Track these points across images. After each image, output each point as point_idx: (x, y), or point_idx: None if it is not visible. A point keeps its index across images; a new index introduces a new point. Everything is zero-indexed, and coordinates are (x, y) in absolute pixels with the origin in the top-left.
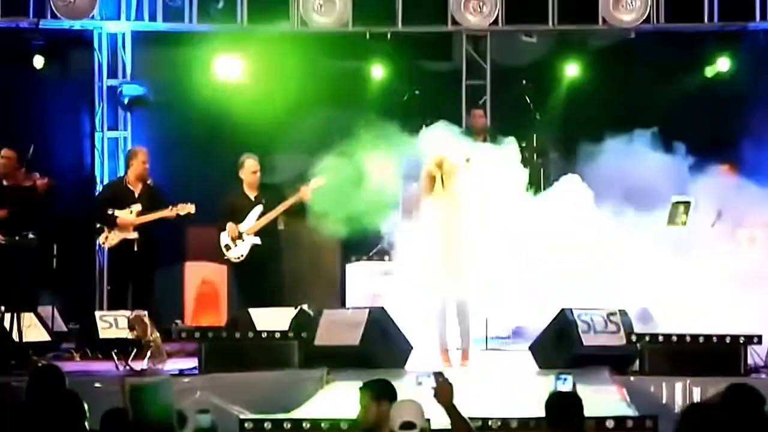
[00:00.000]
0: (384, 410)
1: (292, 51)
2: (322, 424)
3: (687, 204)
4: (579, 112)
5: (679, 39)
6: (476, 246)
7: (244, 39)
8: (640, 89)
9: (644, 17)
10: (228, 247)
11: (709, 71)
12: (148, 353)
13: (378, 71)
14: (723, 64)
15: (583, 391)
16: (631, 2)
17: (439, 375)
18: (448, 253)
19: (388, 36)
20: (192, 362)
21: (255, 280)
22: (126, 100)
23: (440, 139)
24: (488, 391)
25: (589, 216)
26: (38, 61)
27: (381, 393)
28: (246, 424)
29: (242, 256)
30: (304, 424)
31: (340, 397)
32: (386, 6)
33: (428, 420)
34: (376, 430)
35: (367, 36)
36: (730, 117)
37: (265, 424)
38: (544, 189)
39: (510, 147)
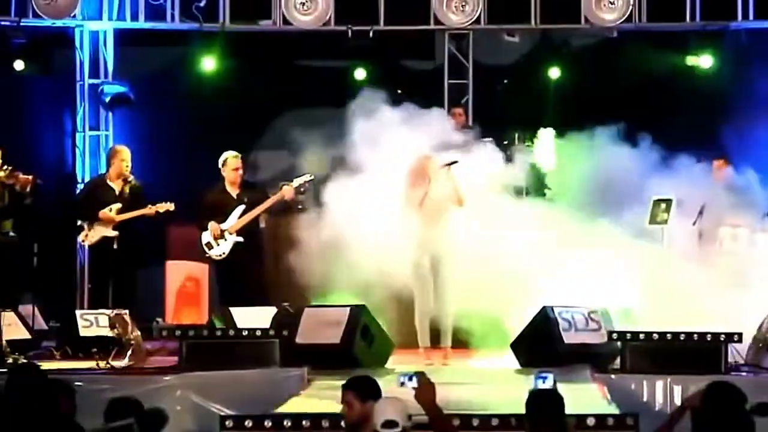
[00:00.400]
0: (368, 408)
1: (274, 49)
2: (303, 422)
3: (668, 202)
4: (561, 111)
5: (661, 38)
6: (459, 243)
7: (227, 37)
8: (623, 88)
9: (626, 16)
10: (210, 246)
11: (692, 70)
12: (129, 352)
13: (360, 69)
14: (705, 63)
15: (564, 389)
16: (613, 1)
17: (421, 375)
18: (431, 250)
19: (371, 34)
20: (173, 360)
21: (237, 279)
22: (108, 99)
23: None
24: (469, 388)
25: (569, 214)
26: (18, 64)
27: (365, 390)
28: (226, 423)
29: (224, 254)
30: (285, 422)
31: (321, 395)
32: (368, 4)
33: (410, 416)
34: (359, 428)
35: (349, 34)
36: (714, 116)
37: (246, 422)
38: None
39: (491, 146)
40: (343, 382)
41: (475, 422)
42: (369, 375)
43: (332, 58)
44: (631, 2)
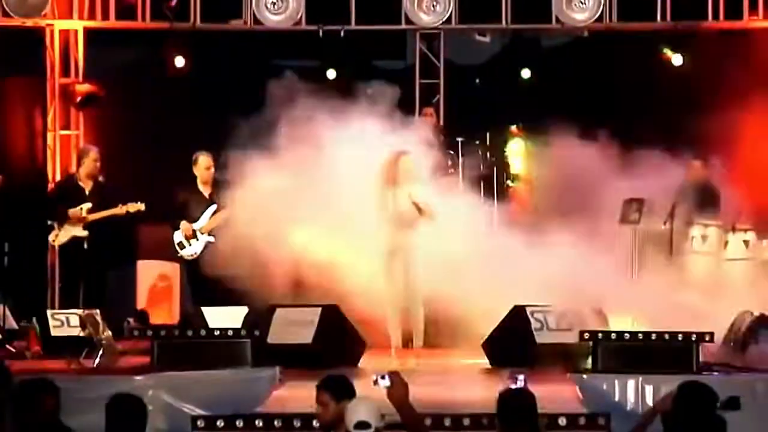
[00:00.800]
0: (342, 408)
1: (244, 48)
2: (275, 422)
3: (640, 202)
4: (532, 111)
5: (632, 38)
6: (429, 241)
7: (197, 37)
8: (594, 88)
9: (597, 16)
10: (182, 246)
11: (664, 70)
12: (100, 352)
13: (331, 69)
14: (676, 63)
15: (536, 388)
16: (584, 1)
17: (394, 374)
18: (401, 249)
19: (342, 34)
20: (144, 360)
21: (209, 279)
22: (78, 99)
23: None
24: (440, 388)
25: (540, 214)
26: None
27: (340, 390)
28: (198, 423)
29: (196, 254)
30: (257, 422)
31: (293, 395)
32: (339, 4)
33: (383, 416)
34: (333, 428)
35: (321, 34)
36: (684, 115)
37: (218, 423)
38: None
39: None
40: (316, 381)
41: (447, 422)
42: (343, 375)
43: (303, 57)
44: (602, 2)
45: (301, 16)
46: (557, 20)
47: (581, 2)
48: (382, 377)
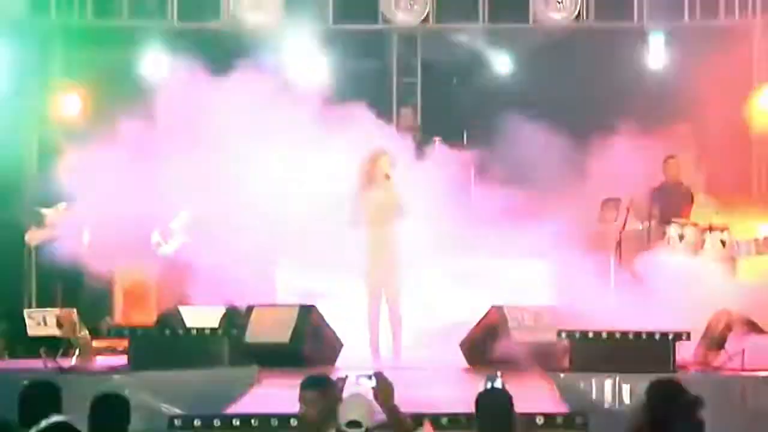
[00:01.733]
0: (327, 406)
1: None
2: (252, 422)
3: (617, 201)
4: (511, 108)
5: (610, 36)
6: (409, 241)
7: (175, 35)
8: (571, 86)
9: (574, 15)
10: (159, 245)
11: (641, 68)
12: (77, 351)
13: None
14: (653, 61)
15: (513, 388)
16: (561, 0)
17: (379, 375)
18: (381, 249)
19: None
20: (121, 360)
21: (185, 278)
22: None
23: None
24: (419, 388)
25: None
26: None
27: (324, 389)
28: (176, 422)
29: (172, 252)
30: (234, 422)
31: (270, 394)
32: (317, 3)
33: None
34: (318, 427)
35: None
36: (663, 111)
37: (195, 422)
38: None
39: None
40: (293, 381)
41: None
42: (325, 374)
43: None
44: (579, 1)
45: (279, 16)
46: (534, 19)
47: (558, 1)
48: (368, 378)
